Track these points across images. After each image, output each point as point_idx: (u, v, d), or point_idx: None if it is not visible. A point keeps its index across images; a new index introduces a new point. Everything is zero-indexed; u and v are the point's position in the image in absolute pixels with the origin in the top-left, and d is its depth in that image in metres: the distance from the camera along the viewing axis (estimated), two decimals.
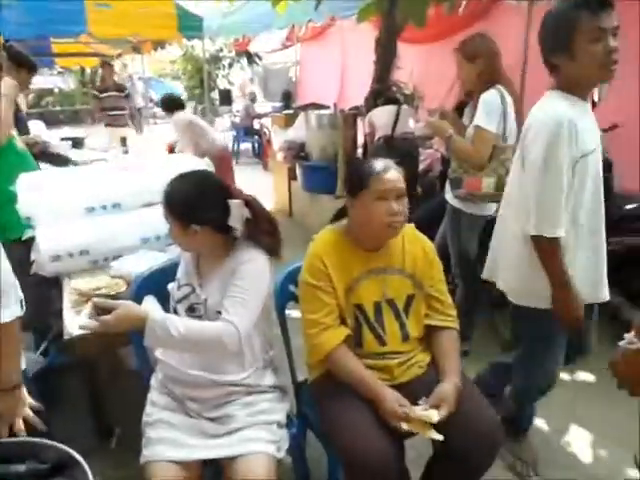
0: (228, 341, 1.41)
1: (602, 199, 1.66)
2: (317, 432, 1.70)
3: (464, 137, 2.47)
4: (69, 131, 5.78)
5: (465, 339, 2.83)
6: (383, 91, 4.29)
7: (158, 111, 16.28)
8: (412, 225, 1.75)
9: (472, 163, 2.40)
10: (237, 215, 1.52)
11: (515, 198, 1.73)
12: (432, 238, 2.91)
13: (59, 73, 16.39)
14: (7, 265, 1.22)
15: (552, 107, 1.57)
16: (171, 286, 1.67)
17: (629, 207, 2.86)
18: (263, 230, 1.57)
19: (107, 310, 1.37)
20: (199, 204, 1.49)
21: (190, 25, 6.23)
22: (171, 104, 4.67)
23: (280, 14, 5.38)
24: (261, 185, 6.82)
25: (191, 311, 1.58)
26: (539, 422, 2.35)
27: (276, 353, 1.75)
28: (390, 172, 1.54)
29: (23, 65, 2.85)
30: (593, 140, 1.60)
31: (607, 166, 3.25)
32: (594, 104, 3.36)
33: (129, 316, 1.37)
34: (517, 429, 2.11)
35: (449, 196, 2.60)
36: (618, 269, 2.88)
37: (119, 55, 11.00)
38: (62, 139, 4.72)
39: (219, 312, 1.48)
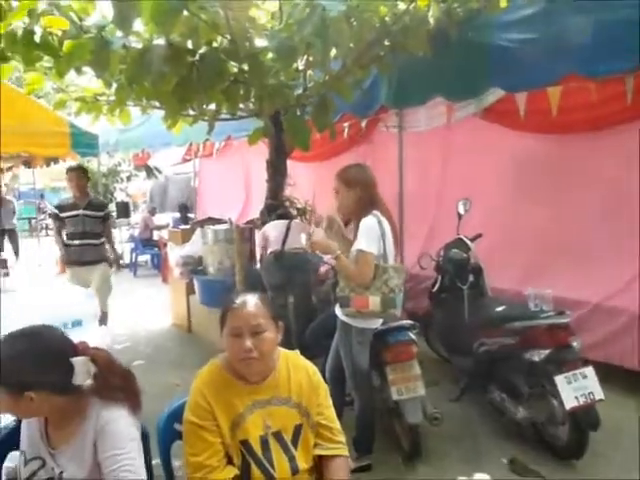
0: None
1: None
2: None
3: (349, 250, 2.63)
4: None
5: (366, 452, 2.82)
6: (276, 206, 4.52)
7: (50, 222, 15.64)
8: (296, 352, 1.79)
9: (357, 282, 2.55)
10: (82, 373, 1.39)
11: None
12: (329, 348, 3.00)
13: None
14: None
15: None
16: (11, 462, 1.51)
17: (499, 309, 3.15)
18: (115, 386, 1.46)
19: None
20: (33, 368, 1.34)
21: (84, 142, 6.22)
22: None
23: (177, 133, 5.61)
24: (159, 299, 6.63)
25: None
26: None
27: None
28: (246, 308, 1.58)
29: None
30: None
31: (478, 271, 3.64)
32: (460, 216, 3.84)
33: None
34: None
35: (339, 312, 2.71)
36: (496, 368, 3.11)
37: (10, 168, 10.59)
38: None
39: None
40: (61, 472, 1.39)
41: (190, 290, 5.19)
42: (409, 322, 2.88)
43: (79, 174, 4.68)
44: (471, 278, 3.56)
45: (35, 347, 1.37)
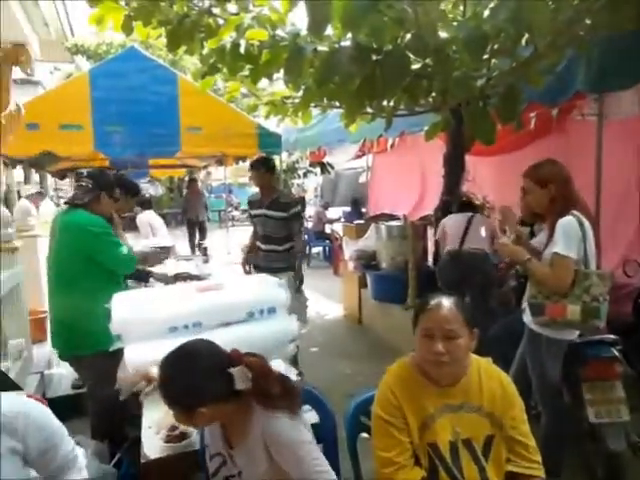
0: None
1: None
2: None
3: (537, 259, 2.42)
4: (157, 240, 6.19)
5: (554, 475, 2.57)
6: (453, 202, 4.36)
7: (237, 214, 17.49)
8: (488, 359, 1.70)
9: (553, 289, 2.33)
10: (242, 379, 1.43)
11: None
12: (510, 355, 2.80)
13: (149, 181, 18.20)
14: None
15: None
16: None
17: None
18: (273, 394, 1.45)
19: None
20: (199, 387, 1.39)
21: (269, 142, 6.78)
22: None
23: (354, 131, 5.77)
24: (330, 290, 6.94)
25: None
26: None
27: None
28: (440, 311, 1.54)
29: (131, 192, 3.28)
30: None
31: None
32: None
33: None
34: None
35: (528, 320, 2.51)
36: None
37: (205, 167, 12.16)
38: (152, 247, 5.11)
39: None
40: (240, 471, 1.49)
41: (362, 283, 5.33)
42: (612, 337, 2.53)
43: (259, 168, 3.99)
44: None
45: (197, 366, 1.41)
